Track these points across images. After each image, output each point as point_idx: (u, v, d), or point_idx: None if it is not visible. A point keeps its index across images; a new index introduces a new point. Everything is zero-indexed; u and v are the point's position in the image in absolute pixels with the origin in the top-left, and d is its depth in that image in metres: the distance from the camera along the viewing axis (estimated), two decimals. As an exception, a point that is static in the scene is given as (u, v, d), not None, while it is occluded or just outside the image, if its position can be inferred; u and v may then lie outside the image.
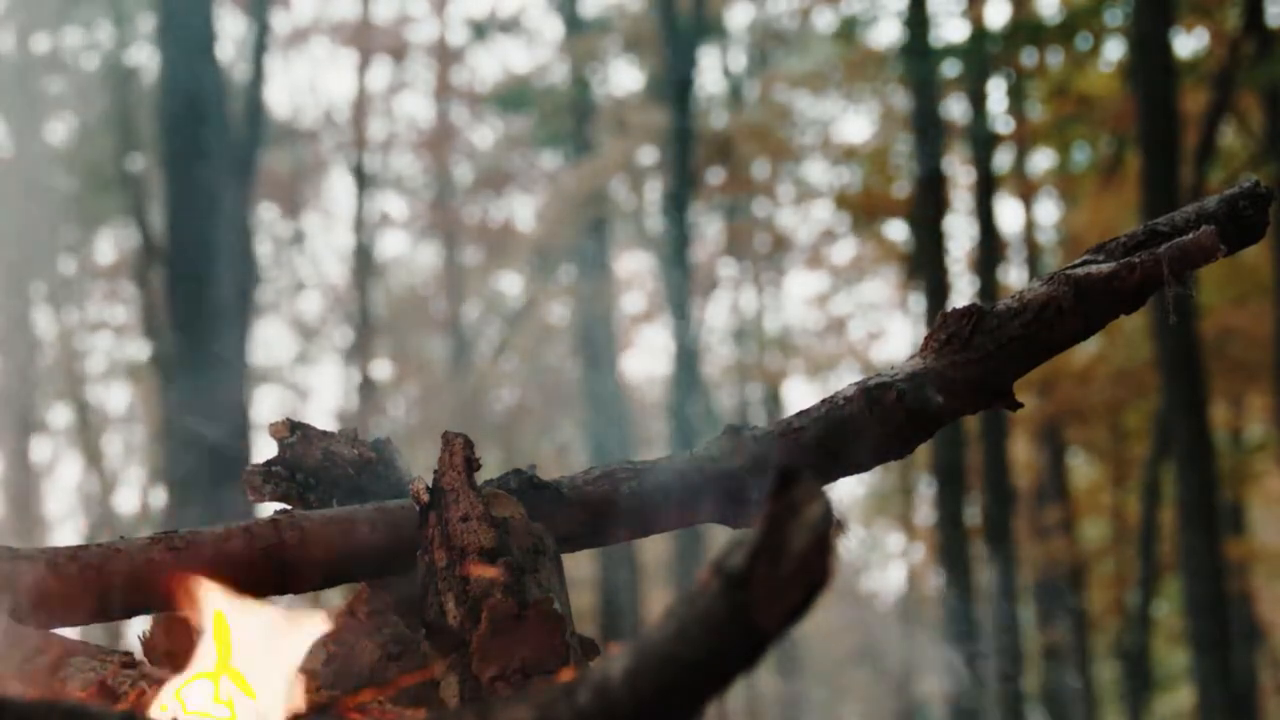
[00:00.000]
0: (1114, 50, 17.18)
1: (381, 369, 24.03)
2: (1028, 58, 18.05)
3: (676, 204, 17.45)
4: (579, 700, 1.22)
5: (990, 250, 16.89)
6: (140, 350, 22.36)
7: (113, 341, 24.38)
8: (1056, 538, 18.84)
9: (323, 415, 22.57)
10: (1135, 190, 13.10)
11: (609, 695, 1.21)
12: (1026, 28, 17.11)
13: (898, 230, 20.56)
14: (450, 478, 2.28)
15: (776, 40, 22.12)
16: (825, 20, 20.78)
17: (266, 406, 22.40)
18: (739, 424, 2.54)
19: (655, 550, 21.59)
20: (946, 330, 2.49)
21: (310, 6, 27.89)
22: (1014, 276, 19.38)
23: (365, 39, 22.62)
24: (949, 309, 2.52)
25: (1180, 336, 11.45)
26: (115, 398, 25.31)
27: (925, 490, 21.67)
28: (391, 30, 23.05)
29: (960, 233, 19.43)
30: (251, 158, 13.73)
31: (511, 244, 22.69)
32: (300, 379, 24.79)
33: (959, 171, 18.83)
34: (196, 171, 11.65)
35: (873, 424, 2.47)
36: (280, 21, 21.29)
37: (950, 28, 22.14)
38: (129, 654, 2.16)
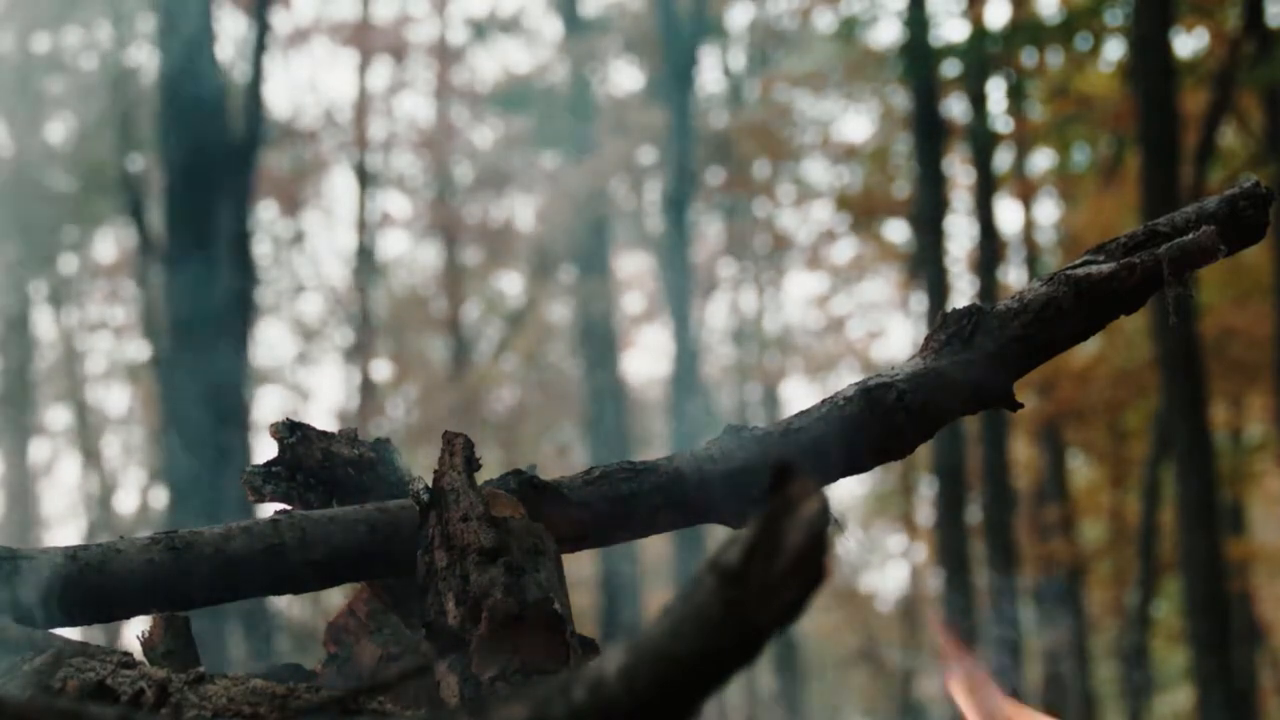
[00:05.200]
0: (1114, 50, 17.19)
1: (382, 369, 24.05)
2: (1028, 58, 18.05)
3: (676, 204, 17.44)
4: (574, 697, 1.22)
5: (990, 250, 16.89)
6: (140, 350, 22.36)
7: (113, 341, 24.40)
8: (1056, 538, 18.84)
9: (323, 415, 22.57)
10: (1135, 190, 13.09)
11: (604, 692, 1.21)
12: (1026, 28, 17.10)
13: (898, 230, 20.58)
14: (450, 478, 2.28)
15: (776, 40, 22.13)
16: (825, 20, 20.80)
17: (267, 407, 22.43)
18: (739, 424, 2.54)
19: (655, 550, 21.59)
20: (947, 330, 2.49)
21: (310, 6, 27.89)
22: (1014, 276, 19.38)
23: (365, 39, 22.62)
24: (949, 309, 2.52)
25: (1180, 336, 11.44)
26: (115, 398, 25.32)
27: (925, 490, 21.68)
28: (391, 30, 23.06)
29: (960, 233, 19.45)
30: (251, 158, 13.72)
31: (511, 244, 22.70)
32: (301, 379, 24.81)
33: (959, 171, 18.83)
34: (196, 171, 11.65)
35: (873, 424, 2.47)
36: (280, 21, 21.28)
37: (950, 28, 22.18)
38: (129, 654, 2.16)
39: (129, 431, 24.86)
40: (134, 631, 2.38)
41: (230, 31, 17.00)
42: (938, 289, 15.59)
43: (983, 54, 16.60)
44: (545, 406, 23.07)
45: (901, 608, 24.19)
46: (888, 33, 22.96)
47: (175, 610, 2.36)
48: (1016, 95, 18.76)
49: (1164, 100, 12.03)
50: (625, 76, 31.37)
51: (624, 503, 2.45)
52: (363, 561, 2.40)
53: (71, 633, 2.28)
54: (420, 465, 2.52)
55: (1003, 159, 18.82)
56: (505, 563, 2.20)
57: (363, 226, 22.85)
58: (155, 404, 17.21)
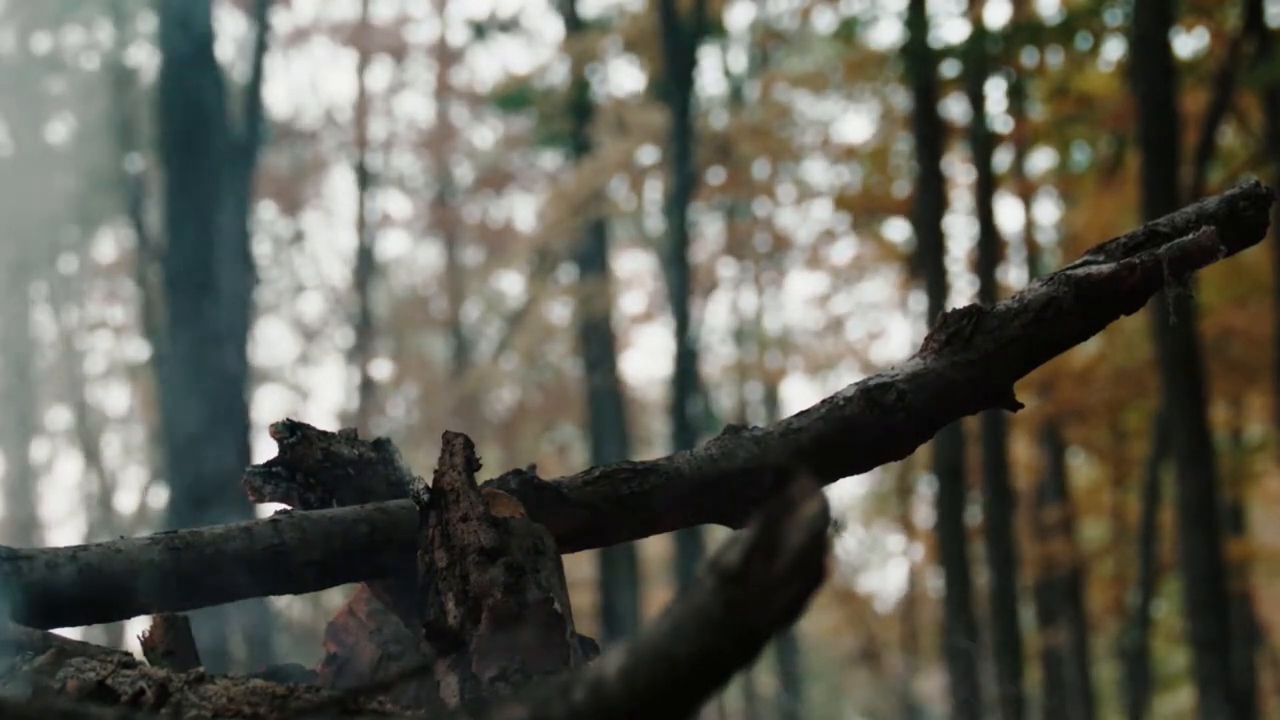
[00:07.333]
0: (1114, 50, 17.19)
1: (382, 369, 24.05)
2: (1028, 58, 18.04)
3: (676, 204, 17.44)
4: (574, 698, 1.22)
5: (990, 250, 16.88)
6: (140, 350, 22.37)
7: (113, 341, 24.41)
8: (1056, 538, 18.83)
9: (323, 415, 22.58)
10: (1135, 190, 13.09)
11: (604, 693, 1.21)
12: (1026, 28, 17.10)
13: (898, 230, 20.57)
14: (450, 478, 2.28)
15: (776, 40, 22.12)
16: (825, 20, 20.79)
17: (268, 407, 22.43)
18: (739, 424, 2.55)
19: (655, 550, 21.59)
20: (947, 330, 2.49)
21: (310, 6, 27.90)
22: (1014, 276, 19.37)
23: (365, 39, 22.63)
24: (949, 309, 2.52)
25: (1180, 336, 11.44)
26: (115, 398, 25.33)
27: (925, 490, 21.68)
28: (391, 30, 23.06)
29: (960, 233, 19.43)
30: (251, 158, 13.72)
31: (511, 244, 22.71)
32: (301, 379, 24.82)
33: (959, 171, 18.82)
34: (196, 171, 11.65)
35: (873, 424, 2.48)
36: (280, 21, 21.30)
37: (950, 28, 22.17)
38: (129, 654, 2.16)
39: (129, 431, 24.87)
40: (134, 631, 2.38)
41: (230, 31, 17.02)
42: (938, 289, 15.58)
43: (983, 54, 16.59)
44: (545, 406, 23.07)
45: (901, 608, 24.18)
46: (888, 33, 22.93)
47: (175, 610, 2.36)
48: (1016, 95, 18.75)
49: (1164, 100, 12.03)
50: (625, 76, 31.42)
51: (624, 503, 2.45)
52: (363, 561, 2.40)
53: (71, 633, 2.28)
54: (420, 465, 2.52)
55: (1003, 159, 18.81)
56: (505, 563, 2.20)
57: (363, 226, 22.86)
58: (154, 404, 17.22)
